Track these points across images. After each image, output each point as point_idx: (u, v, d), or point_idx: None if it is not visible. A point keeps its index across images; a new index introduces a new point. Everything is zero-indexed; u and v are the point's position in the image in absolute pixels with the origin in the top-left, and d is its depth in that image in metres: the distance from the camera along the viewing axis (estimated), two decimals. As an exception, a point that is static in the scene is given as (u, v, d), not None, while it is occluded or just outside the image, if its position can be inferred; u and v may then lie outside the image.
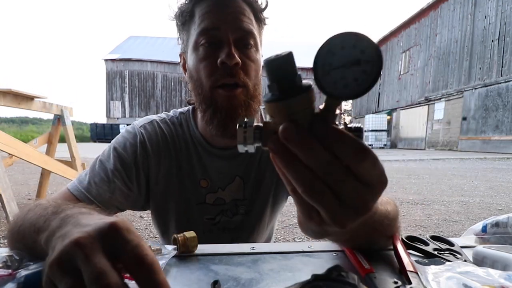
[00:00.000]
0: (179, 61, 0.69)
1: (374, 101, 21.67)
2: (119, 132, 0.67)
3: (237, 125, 0.25)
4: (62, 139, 2.94)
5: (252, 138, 0.25)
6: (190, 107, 0.71)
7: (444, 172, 6.26)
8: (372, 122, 18.39)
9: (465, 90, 13.43)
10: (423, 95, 16.36)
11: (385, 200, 0.43)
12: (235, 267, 0.41)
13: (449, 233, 2.46)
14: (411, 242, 0.47)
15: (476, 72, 12.98)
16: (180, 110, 0.72)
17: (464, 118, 13.47)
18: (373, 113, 20.69)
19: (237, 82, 0.56)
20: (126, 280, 0.23)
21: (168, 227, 0.69)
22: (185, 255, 0.45)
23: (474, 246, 0.45)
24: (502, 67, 11.73)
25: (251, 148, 0.25)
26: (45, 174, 2.95)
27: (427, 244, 0.47)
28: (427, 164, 7.84)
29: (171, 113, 0.72)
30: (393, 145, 19.05)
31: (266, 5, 0.63)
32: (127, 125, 0.70)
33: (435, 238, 0.50)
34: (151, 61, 25.35)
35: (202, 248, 0.47)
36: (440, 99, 15.17)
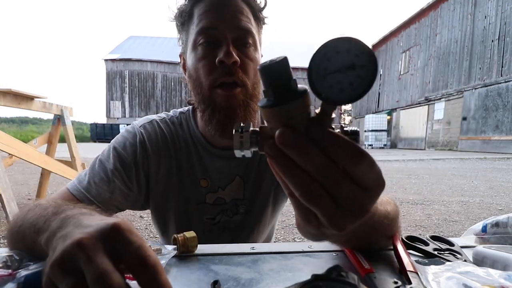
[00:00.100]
0: (179, 61, 0.69)
1: (374, 101, 21.67)
2: (119, 132, 0.67)
3: (233, 130, 0.25)
4: (62, 139, 2.94)
5: (248, 143, 0.25)
6: (190, 107, 0.71)
7: (444, 172, 6.26)
8: (372, 122, 18.40)
9: (465, 90, 13.43)
10: (423, 95, 16.36)
11: (385, 200, 0.43)
12: (235, 267, 0.41)
13: (449, 233, 2.46)
14: (411, 242, 0.47)
15: (476, 72, 12.98)
16: (180, 110, 0.72)
17: (464, 118, 13.47)
18: (373, 113, 20.69)
19: (236, 81, 0.56)
20: (127, 280, 0.23)
21: (168, 227, 0.69)
22: (185, 255, 0.45)
23: (474, 246, 0.45)
24: (502, 67, 11.73)
25: (247, 153, 0.25)
26: (45, 174, 2.95)
27: (427, 244, 0.47)
28: (427, 164, 7.84)
29: (171, 113, 0.72)
30: (393, 145, 19.05)
31: (265, 4, 0.63)
32: (127, 125, 0.70)
33: (435, 238, 0.50)
34: (151, 61, 25.35)
35: (202, 248, 0.47)
36: (440, 99, 15.17)
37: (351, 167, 0.22)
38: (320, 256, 0.46)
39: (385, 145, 18.39)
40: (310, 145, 0.22)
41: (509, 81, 11.33)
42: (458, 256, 0.43)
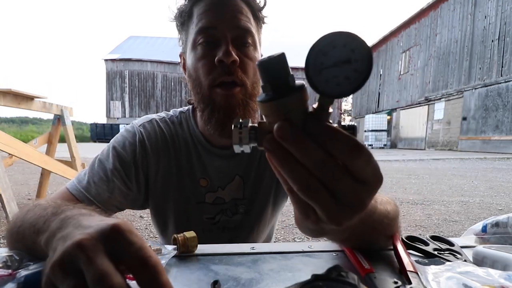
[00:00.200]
0: (179, 61, 0.69)
1: (374, 101, 21.68)
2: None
3: (232, 126, 0.25)
4: (62, 139, 2.94)
5: (247, 139, 0.25)
6: (190, 106, 0.71)
7: (444, 172, 6.26)
8: (372, 122, 18.40)
9: (465, 90, 13.43)
10: (423, 95, 16.36)
11: (385, 200, 0.43)
12: (235, 267, 0.41)
13: (449, 233, 2.46)
14: (411, 242, 0.46)
15: (476, 72, 12.98)
16: (180, 109, 0.72)
17: (464, 118, 13.47)
18: (373, 113, 20.70)
19: (235, 80, 0.56)
20: (128, 281, 0.23)
21: (167, 226, 0.69)
22: (185, 255, 0.45)
23: (474, 246, 0.45)
24: (502, 67, 11.73)
25: (246, 148, 0.26)
26: (45, 174, 2.95)
27: (427, 244, 0.47)
28: (427, 164, 7.84)
29: (171, 112, 0.72)
30: (393, 145, 19.05)
31: (265, 4, 0.63)
32: (127, 125, 0.70)
33: (435, 238, 0.49)
34: (151, 61, 25.34)
35: (202, 248, 0.47)
36: (440, 99, 15.17)
37: (349, 161, 0.22)
38: (320, 256, 0.46)
39: (385, 145, 18.39)
40: (308, 139, 0.22)
41: (509, 81, 11.33)
42: (458, 256, 0.43)
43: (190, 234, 0.46)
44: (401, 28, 18.76)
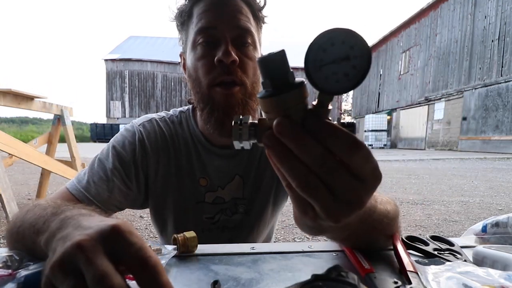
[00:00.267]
0: (179, 61, 0.69)
1: (374, 101, 21.68)
2: (119, 132, 0.67)
3: (233, 122, 0.25)
4: (62, 139, 2.94)
5: (247, 135, 0.25)
6: (190, 106, 0.71)
7: (444, 172, 6.26)
8: (372, 122, 18.40)
9: (465, 90, 13.43)
10: (423, 95, 16.36)
11: (385, 200, 0.43)
12: (235, 267, 0.41)
13: (449, 233, 2.46)
14: (411, 242, 0.46)
15: (476, 72, 12.98)
16: (180, 109, 0.72)
17: (464, 118, 13.47)
18: (373, 113, 20.70)
19: (235, 80, 0.56)
20: (128, 281, 0.23)
21: (167, 226, 0.69)
22: (185, 255, 0.45)
23: (474, 246, 0.45)
24: (502, 67, 11.73)
25: (246, 145, 0.26)
26: (45, 174, 2.95)
27: (427, 244, 0.47)
28: (427, 164, 7.84)
29: (171, 112, 0.72)
30: (393, 145, 19.05)
31: (265, 4, 0.63)
32: (127, 124, 0.70)
33: (435, 238, 0.49)
34: (151, 61, 25.35)
35: (202, 248, 0.47)
36: (440, 99, 15.17)
37: (348, 158, 0.22)
38: (320, 256, 0.46)
39: (385, 145, 18.39)
40: (307, 135, 0.22)
41: (509, 81, 11.33)
42: (458, 256, 0.43)
43: (190, 234, 0.46)
44: (401, 28, 18.77)
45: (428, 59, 16.09)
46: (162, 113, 0.71)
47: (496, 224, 0.51)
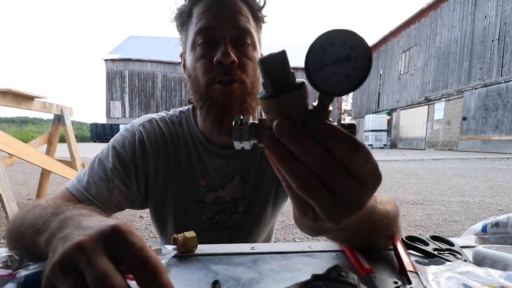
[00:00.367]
0: (179, 61, 0.70)
1: (374, 101, 21.67)
2: (119, 132, 0.67)
3: (233, 123, 0.25)
4: (62, 139, 2.94)
5: (247, 135, 0.25)
6: (190, 106, 0.71)
7: (444, 172, 6.26)
8: (372, 122, 18.40)
9: (465, 90, 13.43)
10: (423, 95, 16.36)
11: (385, 200, 0.43)
12: (235, 267, 0.41)
13: (449, 233, 2.46)
14: (411, 242, 0.46)
15: (476, 72, 12.98)
16: (180, 109, 0.72)
17: (464, 118, 13.47)
18: (373, 113, 20.69)
19: (234, 78, 0.56)
20: (128, 281, 0.23)
21: (167, 226, 0.69)
22: (185, 255, 0.45)
23: (474, 246, 0.45)
24: (502, 67, 11.73)
25: (246, 145, 0.26)
26: (45, 174, 2.95)
27: (427, 244, 0.47)
28: (427, 164, 7.84)
29: (171, 112, 0.72)
30: (393, 145, 19.05)
31: (264, 3, 0.63)
32: (127, 125, 0.70)
33: (435, 238, 0.49)
34: (151, 61, 25.34)
35: (202, 248, 0.47)
36: (440, 99, 15.17)
37: (348, 159, 0.22)
38: (320, 256, 0.46)
39: (385, 145, 18.39)
40: (307, 136, 0.22)
41: (509, 81, 11.33)
42: (458, 256, 0.43)
43: (190, 234, 0.46)
44: (401, 28, 18.76)
45: (428, 59, 16.09)
46: (162, 113, 0.71)
47: (496, 224, 0.51)
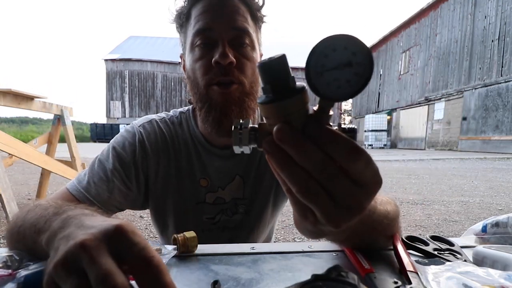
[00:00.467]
0: (179, 61, 0.70)
1: (374, 101, 21.67)
2: (119, 132, 0.67)
3: (233, 127, 0.25)
4: (62, 139, 2.94)
5: (247, 140, 0.25)
6: (190, 106, 0.71)
7: (444, 172, 6.26)
8: (372, 122, 18.40)
9: (465, 90, 13.43)
10: (423, 95, 16.35)
11: (385, 200, 0.43)
12: (235, 267, 0.41)
13: (449, 233, 2.46)
14: (411, 242, 0.46)
15: (476, 72, 12.98)
16: (180, 109, 0.72)
17: (464, 118, 13.47)
18: (373, 113, 20.69)
19: (232, 79, 0.56)
20: (130, 281, 0.23)
21: (167, 226, 0.69)
22: (185, 255, 0.45)
23: (474, 246, 0.45)
24: (502, 67, 11.73)
25: (246, 149, 0.26)
26: (45, 174, 2.95)
27: (427, 244, 0.47)
28: (427, 164, 7.84)
29: (171, 112, 0.72)
30: (393, 145, 19.04)
31: (263, 3, 0.63)
32: (127, 125, 0.70)
33: (435, 238, 0.49)
34: (151, 61, 25.35)
35: (202, 248, 0.47)
36: (440, 99, 15.17)
37: (348, 164, 0.22)
38: (320, 256, 0.46)
39: (385, 145, 18.39)
40: (307, 141, 0.22)
41: (509, 81, 11.33)
42: (458, 256, 0.43)
43: (190, 234, 0.46)
44: (401, 28, 18.76)
45: (428, 59, 16.09)
46: (162, 114, 0.71)
47: (496, 224, 0.51)
